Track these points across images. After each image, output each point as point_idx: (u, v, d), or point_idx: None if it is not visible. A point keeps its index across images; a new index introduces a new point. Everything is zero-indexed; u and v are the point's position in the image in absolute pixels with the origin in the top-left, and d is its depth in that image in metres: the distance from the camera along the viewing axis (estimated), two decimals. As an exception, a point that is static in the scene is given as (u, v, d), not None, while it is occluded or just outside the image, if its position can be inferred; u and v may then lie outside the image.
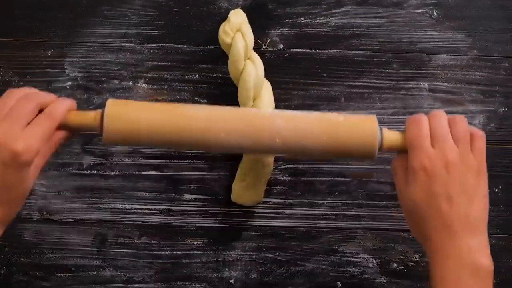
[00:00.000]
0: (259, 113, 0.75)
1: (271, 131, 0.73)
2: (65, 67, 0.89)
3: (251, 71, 0.83)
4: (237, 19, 0.84)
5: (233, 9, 0.88)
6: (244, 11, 0.87)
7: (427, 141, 0.71)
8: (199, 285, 0.87)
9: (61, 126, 0.71)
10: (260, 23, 0.89)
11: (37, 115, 0.69)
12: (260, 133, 0.73)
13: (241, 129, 0.73)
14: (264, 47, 0.89)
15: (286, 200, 0.88)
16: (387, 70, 0.88)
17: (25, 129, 0.67)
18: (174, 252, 0.87)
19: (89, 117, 0.72)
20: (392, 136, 0.74)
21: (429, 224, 0.70)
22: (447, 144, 0.71)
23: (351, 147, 0.73)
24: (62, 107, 0.70)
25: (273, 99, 0.85)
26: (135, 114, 0.72)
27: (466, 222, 0.69)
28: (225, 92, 0.87)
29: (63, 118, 0.70)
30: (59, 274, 0.87)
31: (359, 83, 0.88)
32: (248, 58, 0.84)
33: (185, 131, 0.72)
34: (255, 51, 0.87)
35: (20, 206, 0.70)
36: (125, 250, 0.87)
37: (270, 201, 0.87)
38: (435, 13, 0.89)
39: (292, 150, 0.74)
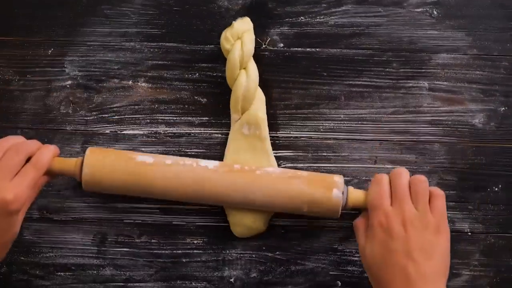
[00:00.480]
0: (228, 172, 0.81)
1: (234, 189, 0.80)
2: (65, 66, 0.89)
3: (242, 82, 0.83)
4: (240, 26, 0.84)
5: (233, 8, 0.88)
6: (244, 10, 0.87)
7: (386, 200, 0.76)
8: (199, 284, 0.87)
9: (45, 172, 0.77)
10: (260, 22, 0.89)
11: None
12: (216, 191, 0.80)
13: (201, 186, 0.80)
14: (264, 46, 0.89)
15: (286, 199, 0.87)
16: (387, 69, 0.88)
17: (14, 180, 0.73)
18: (174, 251, 0.87)
19: (70, 164, 0.80)
20: (356, 195, 0.80)
21: (388, 279, 0.73)
22: (405, 203, 0.75)
23: (316, 206, 0.80)
24: (47, 156, 0.77)
25: (265, 112, 0.86)
26: (110, 166, 0.80)
27: (424, 277, 0.72)
28: (225, 91, 0.87)
29: (48, 166, 0.77)
30: (59, 273, 0.87)
31: (359, 82, 0.88)
32: (244, 68, 0.84)
33: (151, 187, 0.80)
34: (254, 50, 0.87)
35: (8, 249, 0.77)
36: (125, 249, 0.87)
37: (270, 200, 0.87)
38: (435, 12, 0.89)
39: (258, 206, 0.81)
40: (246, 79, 0.83)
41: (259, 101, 0.85)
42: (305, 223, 0.87)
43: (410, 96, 0.88)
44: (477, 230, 0.87)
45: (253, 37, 0.85)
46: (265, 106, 0.86)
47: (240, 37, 0.84)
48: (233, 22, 0.85)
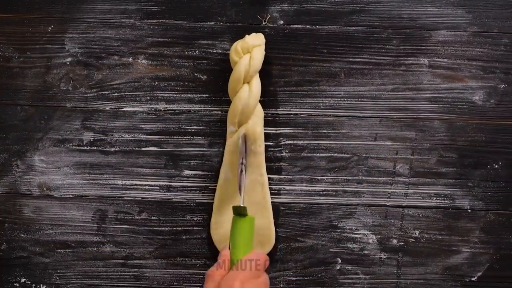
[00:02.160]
0: None
1: None
2: (65, 43, 0.89)
3: (243, 96, 0.83)
4: (252, 41, 0.84)
5: (233, -15, 0.88)
6: (244, -13, 0.87)
7: None
8: (199, 261, 0.87)
9: None
10: (260, -1, 0.89)
11: None
12: None
13: None
14: (264, 23, 0.89)
15: (286, 176, 0.87)
16: (387, 46, 0.88)
17: None
18: (174, 228, 0.87)
19: None
20: None
21: None
22: None
23: None
24: None
25: (262, 127, 0.85)
26: None
27: None
28: (225, 68, 0.87)
29: None
30: (58, 250, 0.87)
31: (359, 59, 0.88)
32: (248, 82, 0.84)
33: None
34: (255, 28, 0.87)
35: None
36: (125, 226, 0.87)
37: (269, 177, 0.87)
38: (435, -11, 0.89)
39: None
40: (248, 94, 0.83)
41: (257, 116, 0.85)
42: (305, 200, 0.87)
43: (410, 73, 0.88)
44: (477, 207, 0.87)
45: (263, 53, 0.85)
46: (262, 121, 0.86)
47: (250, 51, 0.84)
48: (246, 35, 0.85)
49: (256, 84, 0.84)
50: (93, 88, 0.88)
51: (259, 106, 0.86)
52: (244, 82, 0.84)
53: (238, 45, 0.84)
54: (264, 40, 0.85)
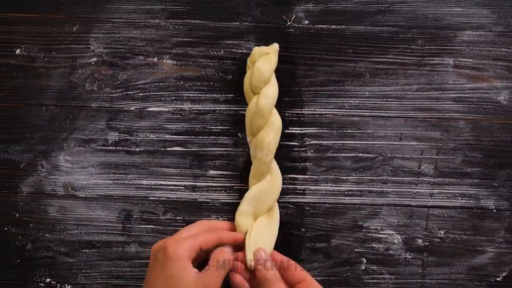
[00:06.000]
0: None
1: None
2: (90, 43, 0.89)
3: (251, 107, 0.83)
4: (258, 52, 0.83)
5: (258, -15, 0.88)
6: (270, -13, 0.87)
7: None
8: (224, 261, 0.87)
9: None
10: None
11: None
12: None
13: None
14: (289, 23, 0.89)
15: (311, 176, 0.87)
16: (412, 46, 0.88)
17: None
18: (199, 228, 0.87)
19: None
20: None
21: None
22: None
23: None
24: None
25: (274, 137, 0.82)
26: None
27: None
28: (250, 68, 0.87)
29: None
30: (84, 250, 0.87)
31: (384, 59, 0.88)
32: (257, 94, 0.83)
33: None
34: (280, 28, 0.87)
35: None
36: (150, 226, 0.87)
37: (294, 177, 0.87)
38: (460, -11, 0.89)
39: None
40: (255, 106, 0.83)
41: (270, 127, 0.83)
42: (330, 200, 0.87)
43: (435, 73, 0.88)
44: (502, 207, 0.87)
45: (272, 62, 0.83)
46: (277, 133, 0.83)
47: (253, 64, 0.84)
48: (254, 47, 0.84)
49: (265, 94, 0.82)
50: (118, 88, 0.88)
51: (276, 118, 0.83)
52: (255, 93, 0.83)
53: (248, 60, 0.84)
54: (273, 49, 0.84)
